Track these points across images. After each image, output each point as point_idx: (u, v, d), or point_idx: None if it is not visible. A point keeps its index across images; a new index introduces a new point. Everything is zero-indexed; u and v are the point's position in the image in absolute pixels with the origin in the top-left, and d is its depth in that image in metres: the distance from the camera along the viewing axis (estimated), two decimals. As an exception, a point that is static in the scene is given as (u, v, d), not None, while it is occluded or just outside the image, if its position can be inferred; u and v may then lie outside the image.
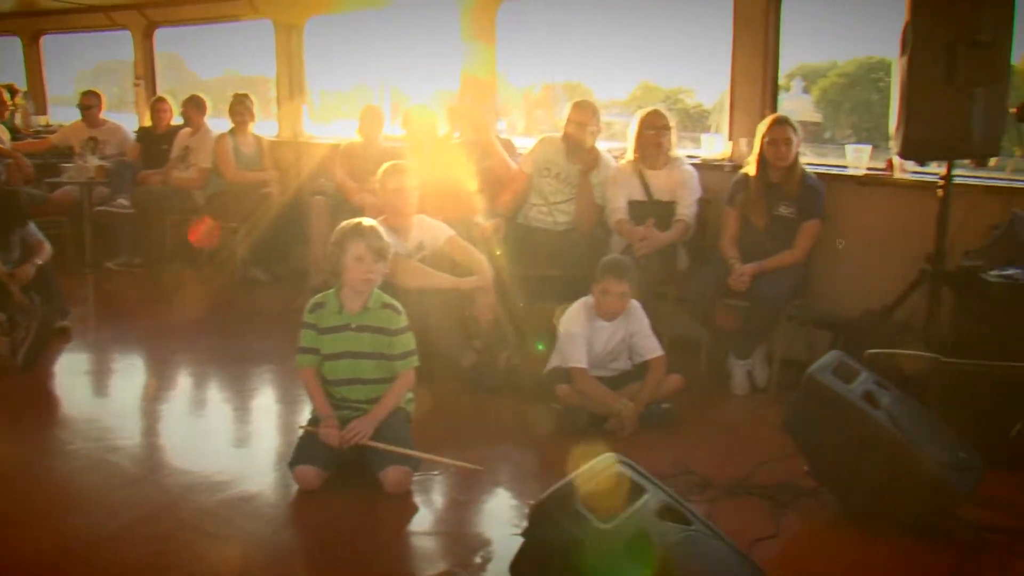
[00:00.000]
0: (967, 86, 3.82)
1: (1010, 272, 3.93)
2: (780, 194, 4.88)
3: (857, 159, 5.19)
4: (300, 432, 3.61)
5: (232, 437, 4.24)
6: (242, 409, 4.56)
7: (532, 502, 2.54)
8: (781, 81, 5.69)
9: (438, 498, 3.54)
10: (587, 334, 4.29)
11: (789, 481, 3.54)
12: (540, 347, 4.75)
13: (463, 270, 4.79)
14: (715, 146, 5.71)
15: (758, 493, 3.53)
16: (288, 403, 4.53)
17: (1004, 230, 4.23)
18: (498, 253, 5.06)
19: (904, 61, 3.98)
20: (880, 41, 4.26)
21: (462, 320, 4.84)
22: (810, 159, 5.42)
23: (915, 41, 3.91)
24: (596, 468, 2.63)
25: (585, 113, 5.41)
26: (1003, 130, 4.04)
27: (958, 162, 4.31)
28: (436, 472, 3.63)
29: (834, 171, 5.25)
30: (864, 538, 3.20)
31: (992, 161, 4.29)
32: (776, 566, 3.00)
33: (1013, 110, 3.96)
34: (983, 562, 3.04)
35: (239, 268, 7.14)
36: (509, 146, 5.88)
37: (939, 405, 3.73)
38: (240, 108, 7.31)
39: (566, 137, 5.46)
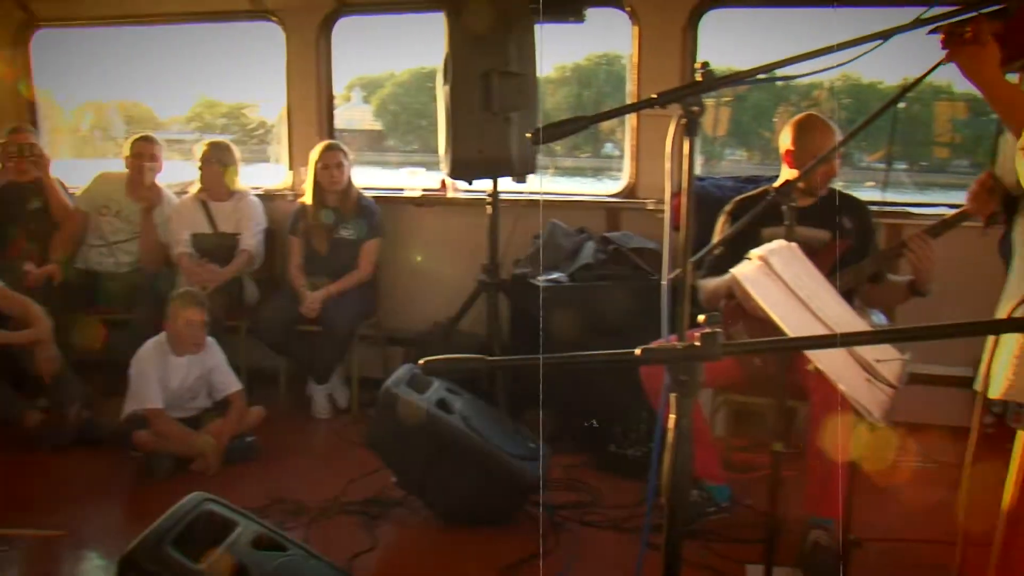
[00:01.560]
0: (503, 111, 4.27)
1: (554, 276, 4.51)
2: (338, 217, 5.10)
3: (411, 181, 5.51)
4: None
5: None
6: None
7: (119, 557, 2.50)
8: (341, 92, 5.89)
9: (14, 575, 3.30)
10: (160, 373, 4.21)
11: (379, 495, 3.78)
12: None
13: (16, 323, 4.46)
14: (276, 177, 5.81)
15: (351, 510, 3.71)
16: None
17: (546, 239, 4.81)
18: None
19: (447, 89, 4.37)
20: (433, 52, 4.60)
21: (20, 377, 4.49)
22: (369, 182, 5.67)
23: (455, 72, 4.31)
24: (182, 509, 2.66)
25: (145, 148, 5.25)
26: (536, 150, 4.53)
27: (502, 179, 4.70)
28: (5, 548, 3.36)
29: (393, 194, 5.52)
30: (456, 536, 3.53)
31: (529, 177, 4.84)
32: (378, 576, 3.22)
33: (528, 135, 4.50)
34: (560, 537, 3.49)
35: None
36: (60, 183, 5.52)
37: (508, 401, 4.19)
38: None
39: (126, 173, 5.27)
